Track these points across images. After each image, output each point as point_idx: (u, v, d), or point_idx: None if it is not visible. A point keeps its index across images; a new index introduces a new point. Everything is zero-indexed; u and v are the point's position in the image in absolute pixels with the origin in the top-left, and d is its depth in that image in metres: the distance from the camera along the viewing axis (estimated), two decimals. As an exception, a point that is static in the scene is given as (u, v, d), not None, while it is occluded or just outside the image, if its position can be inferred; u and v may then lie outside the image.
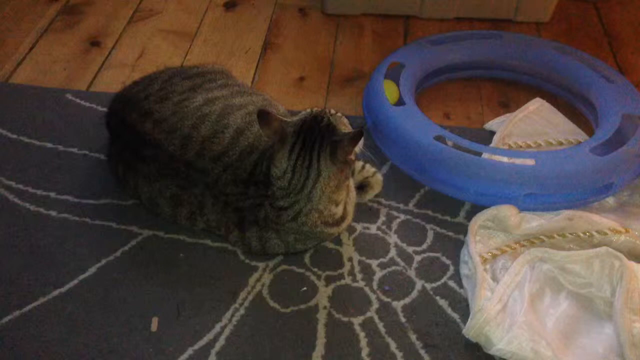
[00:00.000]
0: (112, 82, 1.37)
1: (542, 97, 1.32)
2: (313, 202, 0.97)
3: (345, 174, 0.98)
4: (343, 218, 1.03)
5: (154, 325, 0.96)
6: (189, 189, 1.03)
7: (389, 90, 1.26)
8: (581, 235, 1.04)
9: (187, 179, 1.03)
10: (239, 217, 1.03)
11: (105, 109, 1.19)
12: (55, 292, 0.99)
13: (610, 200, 1.13)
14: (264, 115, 0.95)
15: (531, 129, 1.24)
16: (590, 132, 1.24)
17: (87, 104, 1.31)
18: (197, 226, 1.06)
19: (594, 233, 1.04)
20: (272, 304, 0.99)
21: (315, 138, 0.95)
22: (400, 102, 1.23)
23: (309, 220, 0.99)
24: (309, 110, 1.00)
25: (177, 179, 1.03)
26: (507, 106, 1.36)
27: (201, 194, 1.03)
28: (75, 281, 1.00)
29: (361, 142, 0.96)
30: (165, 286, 1.01)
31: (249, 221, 1.02)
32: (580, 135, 1.24)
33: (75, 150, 1.21)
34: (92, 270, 1.02)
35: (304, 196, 0.97)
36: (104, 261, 1.03)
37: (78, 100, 1.32)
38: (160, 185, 1.05)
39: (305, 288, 1.02)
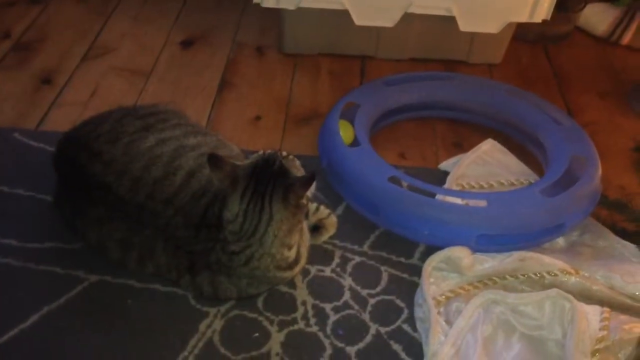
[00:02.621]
0: (63, 121, 1.34)
1: (495, 138, 1.35)
2: (265, 246, 0.95)
3: (298, 218, 0.97)
4: (296, 261, 1.02)
5: (98, 377, 0.92)
6: (139, 232, 1.00)
7: (344, 131, 1.26)
8: (533, 276, 1.05)
9: (137, 222, 1.00)
10: (190, 261, 1.00)
11: (54, 149, 1.16)
12: (-6, 343, 0.94)
13: (561, 241, 1.14)
14: (214, 159, 0.93)
15: (483, 170, 1.26)
16: (541, 172, 1.27)
17: (36, 144, 1.28)
18: (146, 270, 1.03)
19: (545, 274, 1.04)
20: (222, 351, 0.97)
21: (267, 182, 0.94)
22: (355, 143, 1.24)
23: (261, 265, 0.97)
24: (261, 152, 1.00)
25: (127, 222, 1.01)
26: (460, 146, 1.37)
27: (152, 237, 1.00)
28: (15, 330, 0.96)
29: (313, 186, 0.95)
30: (112, 334, 0.97)
31: (200, 265, 1.00)
32: (531, 176, 1.26)
33: (21, 191, 1.17)
34: (34, 318, 0.97)
35: (256, 240, 0.95)
36: (46, 309, 0.99)
37: (26, 140, 1.29)
38: (110, 229, 1.02)
39: (257, 334, 1.00)
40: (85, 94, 1.44)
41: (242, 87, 1.52)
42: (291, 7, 1.49)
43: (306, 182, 0.93)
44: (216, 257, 0.98)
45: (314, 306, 1.04)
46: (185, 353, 0.96)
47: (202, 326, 0.99)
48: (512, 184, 1.24)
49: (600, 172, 1.19)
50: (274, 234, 0.95)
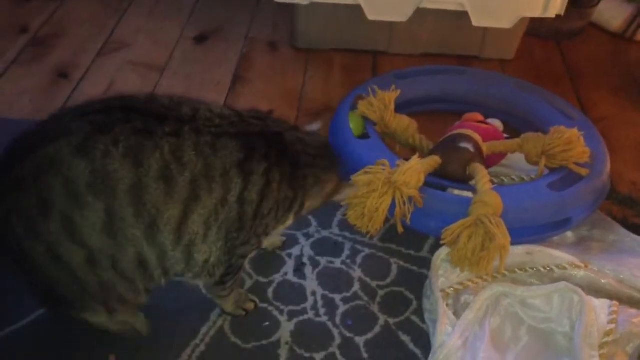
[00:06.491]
0: (79, 114, 1.36)
1: (505, 132, 1.34)
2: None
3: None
4: None
5: (112, 363, 0.94)
6: None
7: (355, 123, 1.27)
8: (542, 269, 1.05)
9: None
10: None
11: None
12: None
13: (570, 235, 1.14)
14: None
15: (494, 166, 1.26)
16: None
17: (52, 136, 1.30)
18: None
19: (554, 267, 1.05)
20: (233, 339, 0.98)
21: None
22: (365, 135, 1.24)
23: None
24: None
25: None
26: (471, 141, 1.37)
27: None
28: (32, 317, 0.98)
29: None
30: (125, 322, 0.99)
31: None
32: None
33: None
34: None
35: None
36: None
37: (43, 132, 1.31)
38: None
39: (267, 323, 1.01)
40: (101, 88, 1.47)
41: (255, 82, 1.53)
42: (304, 2, 1.50)
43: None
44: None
45: (323, 297, 1.05)
46: (197, 341, 0.97)
47: (214, 315, 1.01)
48: (523, 180, 1.24)
49: (609, 167, 1.18)
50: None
